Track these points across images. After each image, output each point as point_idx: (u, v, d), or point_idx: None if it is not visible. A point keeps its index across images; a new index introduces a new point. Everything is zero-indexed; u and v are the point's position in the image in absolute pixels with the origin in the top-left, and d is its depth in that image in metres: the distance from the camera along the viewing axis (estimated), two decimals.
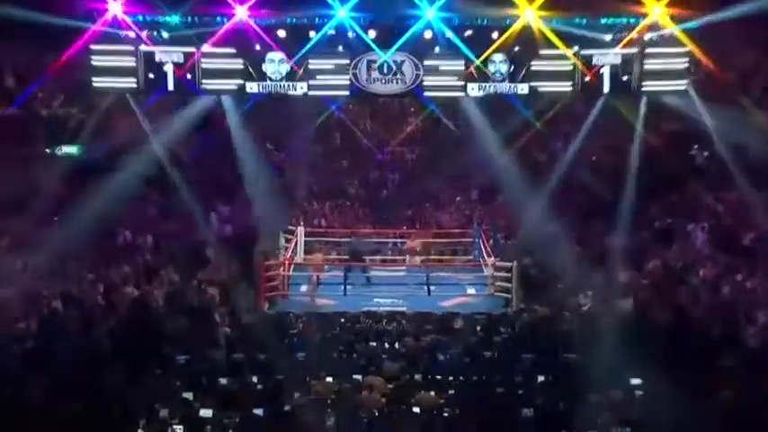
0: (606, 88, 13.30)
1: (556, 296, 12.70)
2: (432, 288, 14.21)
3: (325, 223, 18.32)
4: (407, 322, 11.61)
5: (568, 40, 12.75)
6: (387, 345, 10.81)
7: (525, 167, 16.14)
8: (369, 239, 16.50)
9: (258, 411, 8.41)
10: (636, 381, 9.24)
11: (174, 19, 12.68)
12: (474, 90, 13.31)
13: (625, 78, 13.15)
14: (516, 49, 13.06)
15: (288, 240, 16.10)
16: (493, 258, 14.58)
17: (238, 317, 11.50)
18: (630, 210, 13.93)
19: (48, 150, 14.67)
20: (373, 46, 12.99)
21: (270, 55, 13.27)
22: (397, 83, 13.28)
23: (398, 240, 17.26)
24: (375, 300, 13.67)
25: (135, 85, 13.12)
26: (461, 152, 17.73)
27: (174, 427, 8.16)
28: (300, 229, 16.42)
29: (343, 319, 11.73)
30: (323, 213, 18.93)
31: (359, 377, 9.42)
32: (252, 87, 13.37)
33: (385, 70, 13.29)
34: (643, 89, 13.12)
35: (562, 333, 10.92)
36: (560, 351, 10.17)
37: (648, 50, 12.96)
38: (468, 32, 12.86)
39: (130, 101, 13.77)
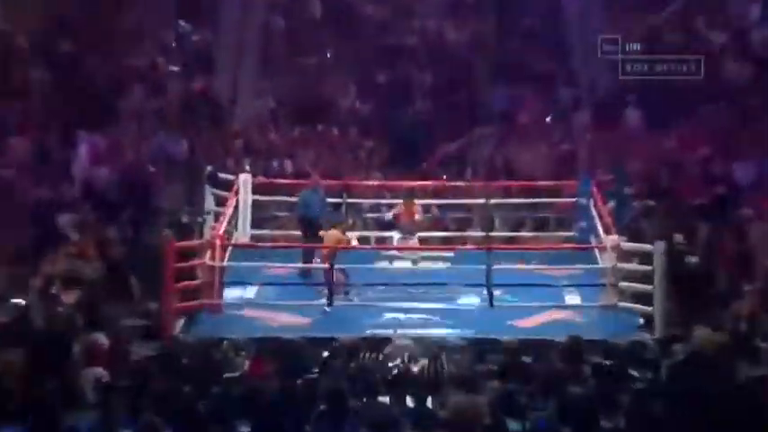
0: None
1: (739, 309, 12.57)
2: (497, 292, 14.20)
3: (293, 168, 18.25)
4: (450, 358, 11.64)
5: None
6: (411, 401, 10.54)
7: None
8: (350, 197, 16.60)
9: None
10: None
11: None
12: None
13: None
14: None
15: (221, 201, 16.05)
16: (616, 236, 14.45)
17: (123, 348, 11.52)
18: None
19: None
20: None
21: None
22: None
23: (434, 202, 17.19)
24: (387, 315, 13.87)
25: None
26: (554, 30, 17.64)
27: None
28: (245, 180, 16.31)
29: (326, 352, 11.66)
30: (289, 150, 18.88)
31: None
32: None
33: None
34: None
35: (754, 380, 10.59)
36: (753, 415, 9.73)
37: None
38: None
39: None
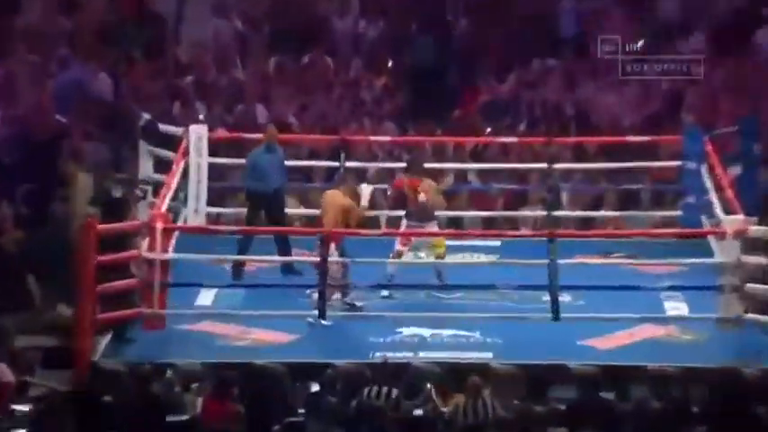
0: None
1: None
2: (564, 299, 14.51)
3: (268, 117, 18.42)
4: (497, 393, 11.79)
5: None
6: None
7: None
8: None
9: None
10: None
11: None
12: None
13: None
14: None
15: (164, 167, 16.21)
16: (741, 217, 14.69)
17: (18, 379, 11.83)
18: None
19: None
20: None
21: None
22: None
23: (472, 167, 17.36)
24: (405, 331, 14.23)
25: None
26: None
27: None
28: (198, 135, 16.47)
29: (317, 385, 12.17)
30: (262, 90, 19.20)
31: None
32: None
33: None
34: None
35: None
36: None
37: None
38: None
39: None
